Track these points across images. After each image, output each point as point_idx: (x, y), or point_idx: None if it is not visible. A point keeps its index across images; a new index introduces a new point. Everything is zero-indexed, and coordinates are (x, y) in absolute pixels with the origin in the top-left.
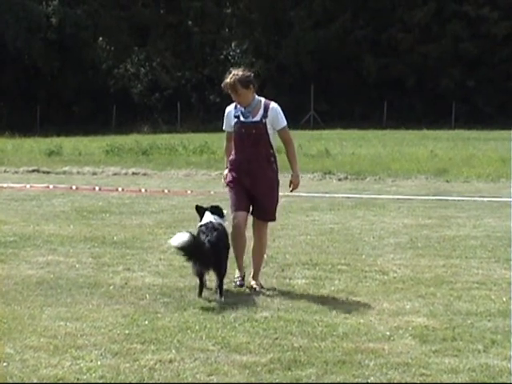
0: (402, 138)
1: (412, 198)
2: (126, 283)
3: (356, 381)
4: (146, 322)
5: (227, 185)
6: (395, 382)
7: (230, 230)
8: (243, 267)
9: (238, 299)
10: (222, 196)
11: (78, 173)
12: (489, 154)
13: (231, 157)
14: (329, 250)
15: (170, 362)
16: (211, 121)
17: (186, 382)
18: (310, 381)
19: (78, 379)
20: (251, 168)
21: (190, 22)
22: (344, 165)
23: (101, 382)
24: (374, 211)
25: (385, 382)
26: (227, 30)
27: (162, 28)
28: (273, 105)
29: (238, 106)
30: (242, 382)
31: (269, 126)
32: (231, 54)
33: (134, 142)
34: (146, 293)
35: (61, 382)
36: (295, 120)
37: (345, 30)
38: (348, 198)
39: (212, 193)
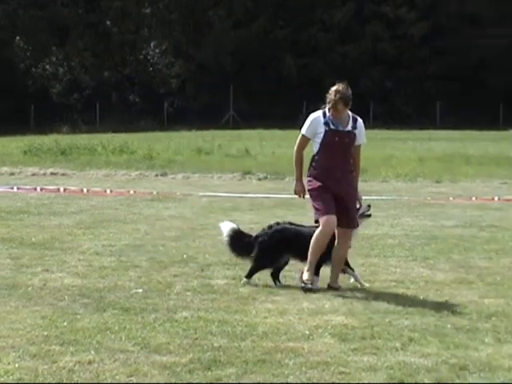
0: None
1: None
2: (44, 284)
3: (276, 380)
4: (65, 324)
5: (311, 192)
6: (314, 380)
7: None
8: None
9: (159, 300)
10: (143, 196)
11: None
12: (407, 153)
13: (314, 163)
14: None
15: (90, 363)
16: (131, 121)
17: (105, 383)
18: (230, 380)
19: None
20: (341, 176)
21: (109, 22)
22: (264, 165)
23: None
24: (294, 211)
25: (304, 380)
26: (146, 29)
27: (81, 28)
28: (359, 119)
29: (327, 114)
30: (161, 382)
31: (357, 138)
32: (150, 53)
33: (53, 142)
34: (64, 294)
35: None
36: (215, 120)
37: (265, 30)
38: (268, 197)
39: (132, 192)
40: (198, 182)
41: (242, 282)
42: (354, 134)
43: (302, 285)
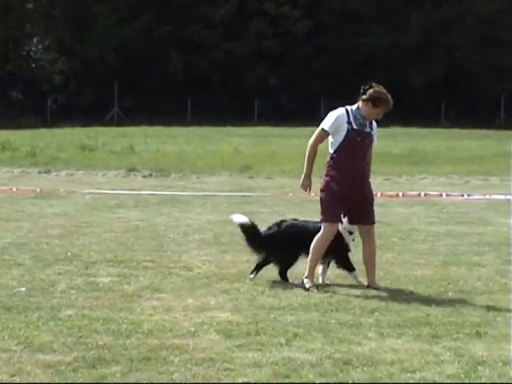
0: (207, 135)
1: (216, 194)
2: None
3: (161, 377)
4: None
5: (324, 191)
6: (200, 377)
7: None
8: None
9: (42, 298)
10: (26, 194)
11: None
12: (291, 150)
13: (332, 162)
14: (134, 247)
15: None
16: (14, 117)
17: None
18: (115, 378)
19: None
20: (361, 176)
21: None
22: (149, 162)
23: None
24: (179, 208)
25: (189, 377)
26: (29, 25)
27: None
28: (374, 121)
29: (351, 111)
30: (45, 381)
31: (373, 139)
32: (33, 49)
33: None
34: None
35: None
36: (99, 116)
37: (149, 27)
38: (153, 194)
39: (14, 190)
40: (82, 179)
41: (250, 276)
42: (372, 136)
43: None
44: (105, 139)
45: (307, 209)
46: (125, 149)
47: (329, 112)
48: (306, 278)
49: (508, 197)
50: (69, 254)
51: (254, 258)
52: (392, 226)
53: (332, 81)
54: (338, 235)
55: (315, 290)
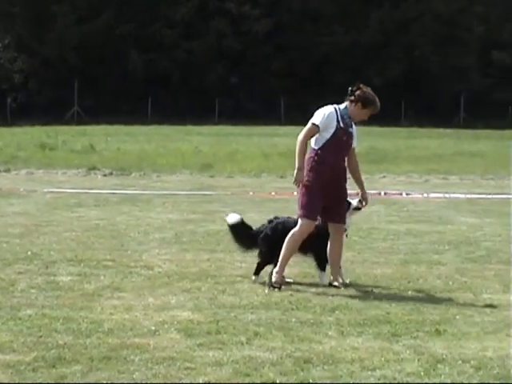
0: (167, 134)
1: (177, 193)
2: None
3: (121, 376)
4: None
5: (305, 185)
6: (160, 376)
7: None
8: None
9: (2, 298)
10: None
11: None
12: (251, 149)
13: (317, 158)
14: (94, 246)
15: None
16: None
17: None
18: (75, 378)
19: None
20: (342, 175)
21: None
22: (109, 160)
23: None
24: (140, 207)
25: (150, 376)
26: None
27: None
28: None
29: (339, 110)
30: (5, 381)
31: (354, 140)
32: None
33: None
34: None
35: None
36: (59, 115)
37: (109, 25)
38: (113, 193)
39: None
40: (42, 177)
41: (252, 278)
42: (353, 137)
43: (271, 286)
44: (65, 138)
45: (268, 208)
46: (85, 148)
47: (291, 110)
48: (276, 272)
49: (486, 196)
50: (29, 253)
51: (214, 257)
52: (352, 224)
53: (292, 80)
54: (325, 231)
55: (278, 287)
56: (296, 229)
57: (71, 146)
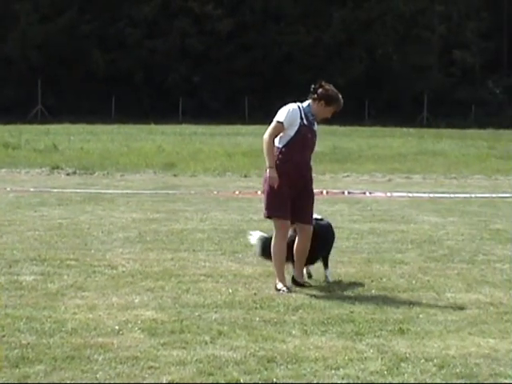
0: (131, 133)
1: (140, 192)
2: None
3: (85, 376)
4: None
5: (271, 185)
6: (124, 375)
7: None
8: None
9: None
10: None
11: None
12: (215, 148)
13: (281, 156)
14: (57, 246)
15: None
16: None
17: None
18: (39, 377)
19: None
20: (307, 173)
21: None
22: (72, 159)
23: None
24: (103, 206)
25: (113, 376)
26: None
27: None
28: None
29: (302, 108)
30: None
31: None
32: None
33: None
34: None
35: None
36: (22, 114)
37: (72, 24)
38: (77, 192)
39: None
40: (4, 177)
41: (281, 289)
42: (317, 135)
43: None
44: (28, 137)
45: (232, 207)
46: (48, 147)
47: (254, 109)
48: (279, 281)
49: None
50: None
51: (178, 256)
52: None
53: (255, 79)
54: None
55: (286, 290)
56: (274, 236)
57: (34, 145)
